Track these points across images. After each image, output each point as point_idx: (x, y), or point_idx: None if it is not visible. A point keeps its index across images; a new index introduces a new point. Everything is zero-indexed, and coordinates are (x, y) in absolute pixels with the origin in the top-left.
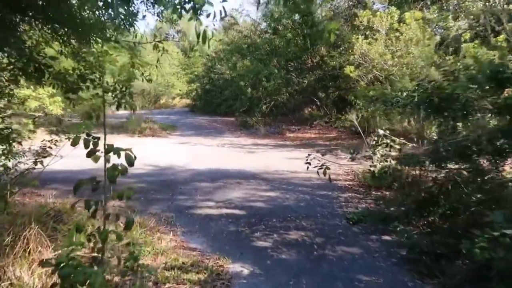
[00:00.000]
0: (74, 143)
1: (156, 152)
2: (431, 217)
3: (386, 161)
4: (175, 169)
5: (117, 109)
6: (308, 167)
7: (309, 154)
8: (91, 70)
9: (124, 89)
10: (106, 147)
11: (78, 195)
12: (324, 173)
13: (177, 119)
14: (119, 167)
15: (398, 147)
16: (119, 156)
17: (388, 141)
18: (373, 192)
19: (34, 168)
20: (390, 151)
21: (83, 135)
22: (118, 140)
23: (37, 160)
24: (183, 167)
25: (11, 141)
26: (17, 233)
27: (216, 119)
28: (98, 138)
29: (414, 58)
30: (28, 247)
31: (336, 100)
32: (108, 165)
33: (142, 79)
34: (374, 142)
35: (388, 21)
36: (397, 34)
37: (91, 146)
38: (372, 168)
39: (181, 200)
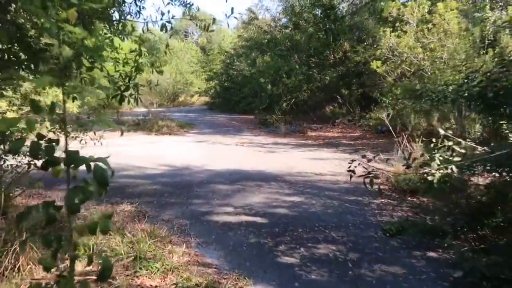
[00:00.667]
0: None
1: (172, 151)
2: (483, 231)
3: (446, 168)
4: (191, 169)
5: (120, 103)
6: (351, 175)
7: (352, 160)
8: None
9: (127, 80)
10: (67, 154)
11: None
12: (371, 183)
13: (195, 117)
14: (92, 186)
15: (462, 151)
16: (89, 170)
17: (450, 143)
18: (408, 198)
19: (29, 168)
20: (452, 155)
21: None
22: (134, 139)
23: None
24: (200, 168)
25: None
26: (12, 242)
27: (235, 117)
28: (55, 141)
29: (448, 51)
30: (17, 263)
31: (359, 97)
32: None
33: (152, 70)
34: (432, 145)
35: (419, 11)
36: (429, 25)
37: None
38: (429, 177)
39: (197, 204)
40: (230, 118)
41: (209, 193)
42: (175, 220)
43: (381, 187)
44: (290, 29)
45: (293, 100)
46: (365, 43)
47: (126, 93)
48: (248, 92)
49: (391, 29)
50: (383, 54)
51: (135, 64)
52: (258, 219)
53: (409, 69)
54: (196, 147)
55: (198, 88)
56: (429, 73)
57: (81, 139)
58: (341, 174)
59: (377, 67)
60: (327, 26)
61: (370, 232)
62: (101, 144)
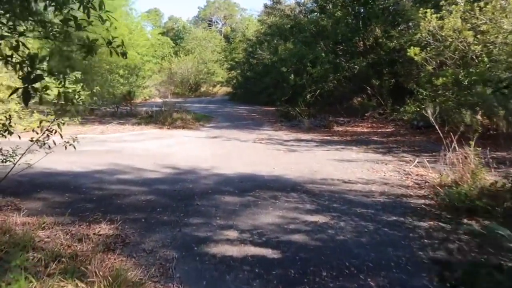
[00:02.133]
0: None
1: (180, 149)
2: None
3: None
4: (197, 173)
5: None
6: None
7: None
8: None
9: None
10: None
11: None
12: None
13: (215, 108)
14: None
15: None
16: None
17: None
18: (465, 220)
19: None
20: None
21: None
22: (143, 134)
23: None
24: (207, 171)
25: None
26: None
27: (255, 108)
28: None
29: (504, 33)
30: None
31: (392, 88)
32: None
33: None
34: None
35: None
36: (481, 3)
37: None
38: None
39: (193, 225)
40: (251, 110)
41: (212, 208)
42: (160, 250)
43: (427, 201)
44: (316, 13)
45: (318, 91)
46: (400, 27)
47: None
48: (269, 82)
49: (432, 10)
50: (423, 39)
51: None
52: (268, 252)
53: (453, 55)
54: (208, 144)
55: (222, 78)
56: (479, 59)
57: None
58: (374, 182)
59: (415, 54)
60: (357, 10)
61: (422, 278)
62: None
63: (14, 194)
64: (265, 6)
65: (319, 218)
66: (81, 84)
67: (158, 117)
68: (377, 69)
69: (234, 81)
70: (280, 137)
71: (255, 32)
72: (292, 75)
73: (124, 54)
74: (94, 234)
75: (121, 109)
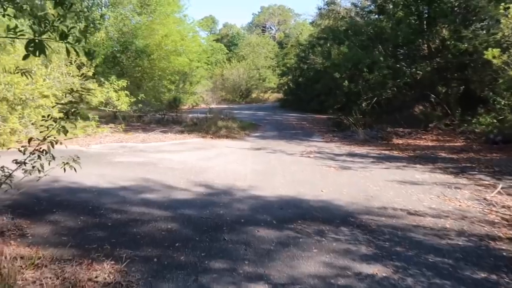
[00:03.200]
0: None
1: (219, 162)
2: None
3: None
4: (232, 194)
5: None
6: None
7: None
8: None
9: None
10: None
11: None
12: None
13: (264, 116)
14: None
15: None
16: None
17: None
18: None
19: None
20: None
21: None
22: (183, 143)
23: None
24: (244, 192)
25: None
26: None
27: (306, 116)
28: None
29: None
30: None
31: (461, 96)
32: None
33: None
34: None
35: None
36: None
37: None
38: None
39: (214, 272)
40: (301, 118)
41: (241, 246)
42: None
43: None
44: (374, 14)
45: (375, 99)
46: (472, 27)
47: None
48: (321, 88)
49: None
50: (505, 38)
51: None
52: None
53: None
54: (250, 157)
55: (274, 83)
56: None
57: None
58: (448, 214)
59: (494, 57)
60: (421, 9)
61: None
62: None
63: (26, 214)
64: (319, 8)
65: (378, 270)
66: (125, 91)
67: (202, 125)
68: (444, 74)
69: (285, 87)
70: (331, 150)
71: (308, 37)
72: (346, 81)
73: None
74: (89, 280)
75: (168, 115)
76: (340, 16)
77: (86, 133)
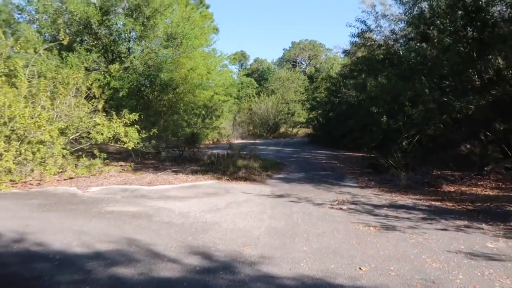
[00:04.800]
0: None
1: (230, 216)
2: None
3: None
4: (235, 271)
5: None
6: None
7: None
8: None
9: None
10: None
11: None
12: None
13: (290, 153)
14: None
15: None
16: None
17: None
18: None
19: None
20: None
21: None
22: (193, 187)
23: None
24: (252, 266)
25: None
26: None
27: (337, 154)
28: None
29: None
30: None
31: None
32: None
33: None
34: None
35: None
36: None
37: None
38: None
39: None
40: (331, 156)
41: None
42: None
43: None
44: (415, 41)
45: (417, 136)
46: None
47: None
48: (354, 124)
49: None
50: None
51: None
52: None
53: None
54: (269, 208)
55: (303, 118)
56: None
57: None
58: None
59: None
60: (470, 35)
61: None
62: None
63: None
64: (353, 35)
65: None
66: (139, 125)
67: (219, 165)
68: (501, 109)
69: (315, 122)
70: (368, 200)
71: (340, 69)
72: (385, 117)
73: None
74: None
75: (186, 152)
76: (377, 45)
77: (90, 172)
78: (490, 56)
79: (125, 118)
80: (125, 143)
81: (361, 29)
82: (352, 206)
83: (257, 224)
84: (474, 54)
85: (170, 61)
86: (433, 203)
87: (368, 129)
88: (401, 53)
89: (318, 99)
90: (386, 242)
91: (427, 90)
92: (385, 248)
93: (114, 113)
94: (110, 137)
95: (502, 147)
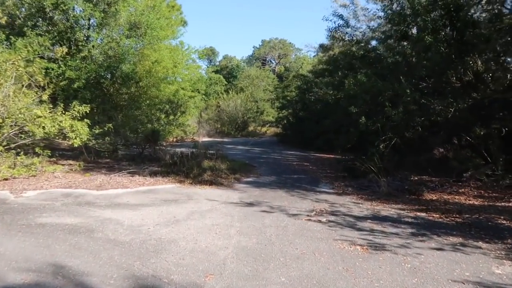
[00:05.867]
0: None
1: (190, 231)
2: None
3: None
4: None
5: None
6: None
7: None
8: None
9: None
10: None
11: None
12: None
13: (260, 153)
14: None
15: None
16: None
17: None
18: None
19: None
20: None
21: None
22: (150, 193)
23: None
24: None
25: None
26: None
27: (308, 155)
28: None
29: None
30: None
31: (506, 142)
32: None
33: None
34: None
35: None
36: None
37: None
38: None
39: None
40: (303, 158)
41: None
42: None
43: None
44: (394, 39)
45: (395, 139)
46: None
47: None
48: (331, 125)
49: None
50: None
51: None
52: None
53: None
54: (237, 221)
55: (272, 117)
56: None
57: None
58: None
59: None
60: (451, 35)
61: None
62: None
63: None
64: (330, 29)
65: None
66: (91, 119)
67: (182, 166)
68: (481, 113)
69: (285, 121)
70: (348, 209)
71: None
72: (363, 117)
73: None
74: None
75: (147, 150)
76: (355, 41)
77: (29, 173)
78: (469, 58)
79: (74, 110)
80: (71, 139)
81: (338, 24)
82: (332, 218)
83: (224, 242)
84: (453, 56)
85: (133, 52)
86: (418, 213)
87: (344, 129)
88: (380, 51)
89: (288, 98)
90: (378, 268)
91: (408, 91)
92: (379, 276)
93: (61, 104)
94: (55, 132)
95: (481, 153)
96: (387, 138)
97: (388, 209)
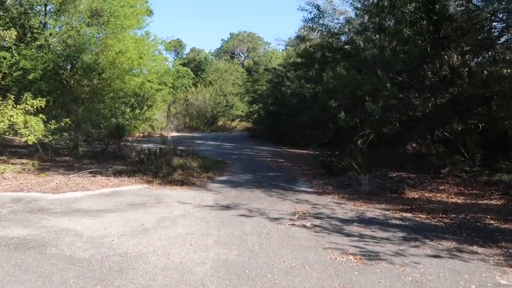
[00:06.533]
0: None
1: (161, 241)
2: None
3: None
4: None
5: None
6: None
7: None
8: None
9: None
10: None
11: None
12: None
13: (232, 148)
14: None
15: None
16: None
17: None
18: None
19: None
20: None
21: None
22: (114, 196)
23: None
24: None
25: None
26: None
27: (281, 151)
28: None
29: None
30: None
31: (482, 136)
32: None
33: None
34: None
35: None
36: None
37: None
38: None
39: None
40: (276, 153)
41: None
42: None
43: None
44: (370, 32)
45: (372, 135)
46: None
47: None
48: (307, 120)
49: None
50: None
51: None
52: None
53: None
54: (214, 228)
55: (241, 111)
56: None
57: None
58: None
59: None
60: (427, 28)
61: None
62: None
63: None
64: (306, 20)
65: None
66: (47, 113)
67: (150, 164)
68: (458, 108)
69: (255, 115)
70: (331, 211)
71: (284, 61)
72: (343, 112)
73: None
74: None
75: (110, 147)
76: (332, 32)
77: None
78: (444, 52)
79: (27, 104)
80: (24, 136)
81: (314, 14)
82: (317, 222)
83: (200, 255)
84: (429, 49)
85: (95, 42)
86: (404, 214)
87: (321, 125)
88: (357, 43)
89: (259, 92)
90: (378, 283)
91: (388, 85)
92: None
93: (12, 97)
94: (4, 128)
95: (459, 149)
96: (365, 133)
97: (372, 210)
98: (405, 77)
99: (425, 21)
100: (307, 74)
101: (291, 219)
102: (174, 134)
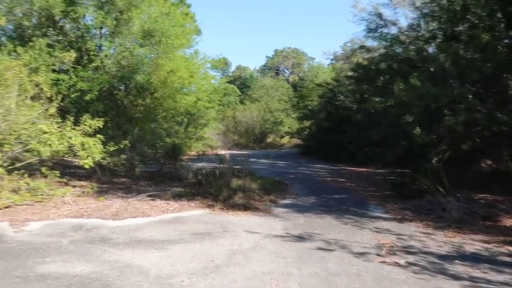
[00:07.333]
0: None
1: (237, 285)
2: None
3: None
4: None
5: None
6: None
7: None
8: None
9: None
10: None
11: None
12: None
13: (286, 167)
14: None
15: None
16: None
17: None
18: None
19: None
20: None
21: None
22: (176, 223)
23: None
24: None
25: None
26: None
27: (339, 169)
28: None
29: None
30: None
31: None
32: None
33: None
34: None
35: None
36: None
37: None
38: None
39: None
40: (335, 172)
41: None
42: None
43: None
44: (440, 40)
45: (449, 152)
46: None
47: None
48: (376, 136)
49: None
50: None
51: None
52: None
53: None
54: (295, 267)
55: (289, 128)
56: None
57: None
58: None
59: None
60: (507, 32)
61: None
62: None
63: None
64: (368, 29)
65: None
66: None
67: (209, 186)
68: None
69: (306, 132)
70: (422, 244)
71: (336, 75)
72: (418, 128)
73: None
74: None
75: (166, 167)
76: (399, 40)
77: (35, 198)
78: None
79: (85, 125)
80: (82, 158)
81: (376, 24)
82: (411, 259)
83: None
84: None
85: (147, 62)
86: (511, 248)
87: (390, 142)
88: (426, 53)
89: (310, 107)
90: None
91: (470, 97)
92: None
93: (71, 118)
94: (64, 150)
95: None
96: (440, 151)
97: (470, 243)
98: (480, 87)
99: (503, 25)
100: (370, 88)
101: (379, 255)
102: (225, 151)
